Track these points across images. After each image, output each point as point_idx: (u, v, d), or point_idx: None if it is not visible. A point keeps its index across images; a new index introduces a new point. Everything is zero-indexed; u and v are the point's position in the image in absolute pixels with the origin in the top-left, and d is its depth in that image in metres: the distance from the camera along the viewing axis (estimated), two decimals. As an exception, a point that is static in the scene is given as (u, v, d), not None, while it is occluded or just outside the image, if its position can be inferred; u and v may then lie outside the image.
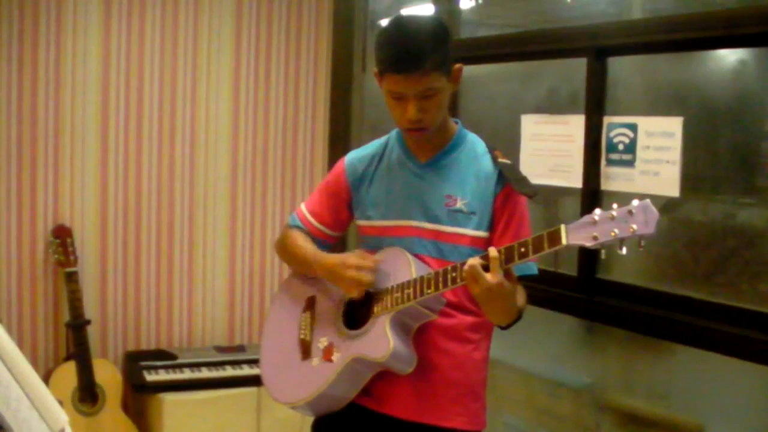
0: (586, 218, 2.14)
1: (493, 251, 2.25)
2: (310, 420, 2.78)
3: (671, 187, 3.21)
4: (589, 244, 2.12)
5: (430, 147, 2.58)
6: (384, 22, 2.53)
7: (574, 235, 2.15)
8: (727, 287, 3.17)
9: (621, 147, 3.40)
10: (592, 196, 3.52)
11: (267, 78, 5.08)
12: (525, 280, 2.52)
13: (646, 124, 3.32)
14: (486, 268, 2.25)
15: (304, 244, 2.73)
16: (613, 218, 2.10)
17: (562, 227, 2.17)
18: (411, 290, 2.42)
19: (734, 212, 3.24)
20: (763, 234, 3.14)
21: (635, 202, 2.09)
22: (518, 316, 2.43)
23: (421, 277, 2.41)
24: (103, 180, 4.68)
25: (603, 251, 2.15)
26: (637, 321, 3.35)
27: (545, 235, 2.19)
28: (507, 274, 2.29)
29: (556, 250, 2.18)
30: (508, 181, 2.50)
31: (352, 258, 2.53)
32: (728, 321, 3.06)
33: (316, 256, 2.66)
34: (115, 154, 4.70)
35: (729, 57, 3.23)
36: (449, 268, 2.37)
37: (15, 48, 4.41)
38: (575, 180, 3.58)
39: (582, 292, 3.56)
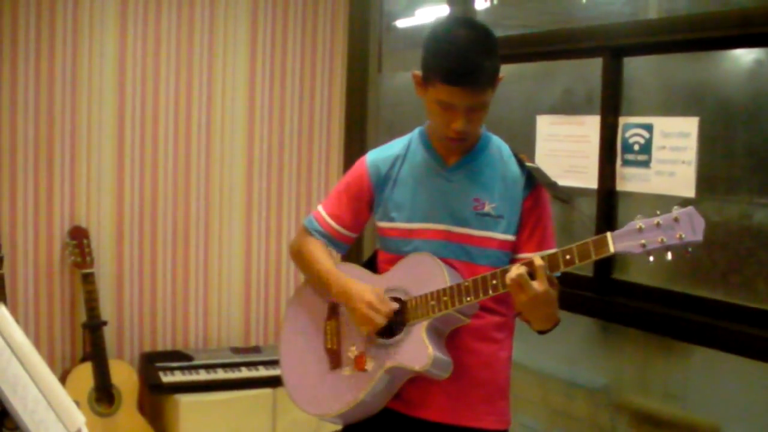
0: (631, 225, 2.16)
1: (538, 259, 2.26)
2: (325, 422, 2.77)
3: (687, 188, 3.21)
4: (637, 251, 2.14)
5: (456, 150, 2.56)
6: (438, 24, 2.48)
7: (621, 242, 2.16)
8: (743, 287, 3.16)
9: (636, 147, 3.39)
10: (607, 196, 3.51)
11: (282, 79, 5.09)
12: None
13: (662, 124, 3.31)
14: (531, 276, 2.26)
15: (322, 258, 2.68)
16: (658, 225, 2.11)
17: (609, 235, 2.18)
18: (447, 298, 2.41)
19: (750, 212, 3.23)
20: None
21: (679, 209, 2.10)
22: (558, 321, 2.44)
23: (458, 285, 2.40)
24: (120, 181, 4.70)
25: (651, 258, 2.15)
26: (652, 321, 3.34)
27: (591, 242, 2.20)
28: (550, 280, 2.30)
29: (602, 257, 2.20)
30: (539, 186, 2.51)
31: (371, 295, 2.50)
32: (744, 321, 3.05)
33: (335, 278, 2.62)
34: (131, 155, 4.72)
35: (745, 57, 3.22)
36: (488, 275, 2.36)
37: (32, 48, 4.43)
38: (591, 180, 3.57)
39: (597, 292, 3.55)
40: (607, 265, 3.53)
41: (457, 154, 2.56)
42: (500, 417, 2.61)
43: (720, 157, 3.27)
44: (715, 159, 3.25)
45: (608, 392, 3.75)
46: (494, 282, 2.35)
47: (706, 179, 3.21)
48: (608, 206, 3.51)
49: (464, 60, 2.35)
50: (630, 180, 3.44)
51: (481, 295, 2.36)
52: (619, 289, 3.51)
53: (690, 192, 3.20)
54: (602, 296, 3.53)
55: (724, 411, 3.30)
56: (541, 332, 2.48)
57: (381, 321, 2.47)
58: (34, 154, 4.47)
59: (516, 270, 2.26)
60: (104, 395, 4.41)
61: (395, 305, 2.50)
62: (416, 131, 2.67)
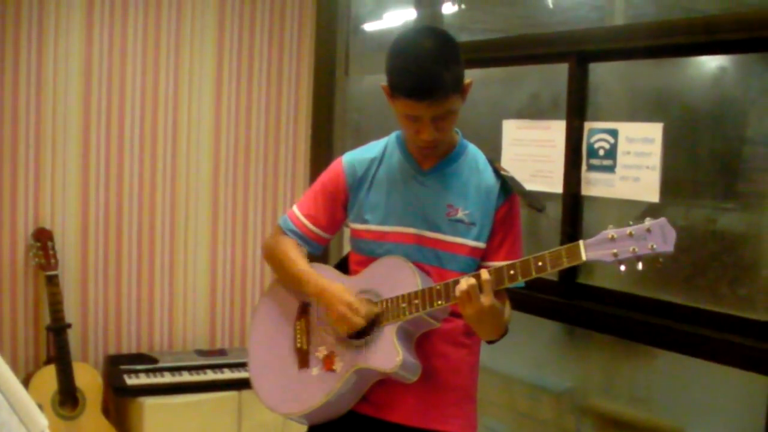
0: (603, 234, 2.17)
1: (485, 273, 2.28)
2: (291, 424, 2.76)
3: (651, 193, 3.23)
4: (608, 260, 2.16)
5: (432, 155, 2.56)
6: (400, 36, 2.48)
7: (593, 251, 2.18)
8: (707, 292, 3.18)
9: (602, 152, 3.41)
10: (572, 201, 3.53)
11: (249, 81, 5.08)
12: (512, 290, 2.54)
13: (627, 129, 3.33)
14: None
15: (297, 258, 2.67)
16: (631, 235, 2.13)
17: (581, 243, 2.19)
18: (419, 301, 2.42)
19: (714, 217, 3.25)
20: (743, 239, 3.16)
21: (651, 220, 2.13)
22: (505, 331, 2.45)
23: (430, 289, 2.41)
24: (85, 183, 4.67)
25: (622, 267, 2.17)
26: (617, 325, 3.36)
27: (563, 250, 2.21)
28: (499, 294, 2.33)
29: (573, 265, 2.21)
30: (514, 195, 2.53)
31: (350, 295, 2.51)
32: (708, 325, 3.07)
33: (313, 278, 2.61)
34: (97, 156, 4.69)
35: (709, 63, 3.24)
36: (453, 281, 2.37)
37: (-4, 50, 4.40)
38: (556, 185, 3.59)
39: (563, 296, 3.56)
40: (572, 269, 3.54)
41: (432, 159, 2.57)
42: (467, 421, 2.63)
43: (684, 162, 3.29)
44: (679, 164, 3.27)
45: (574, 395, 3.76)
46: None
47: (670, 184, 3.23)
48: (573, 211, 3.53)
49: (422, 75, 2.34)
50: (595, 185, 3.45)
51: (451, 299, 2.36)
52: (584, 293, 3.53)
53: (654, 197, 3.22)
54: (568, 300, 3.55)
55: (688, 414, 3.32)
56: (489, 342, 2.49)
57: (360, 322, 2.47)
58: (-2, 155, 4.44)
59: (466, 282, 2.27)
60: (68, 398, 4.38)
61: (374, 308, 2.51)
62: (393, 135, 2.68)
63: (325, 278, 2.60)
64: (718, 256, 3.21)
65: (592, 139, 3.45)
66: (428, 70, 2.34)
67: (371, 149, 2.69)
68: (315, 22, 5.19)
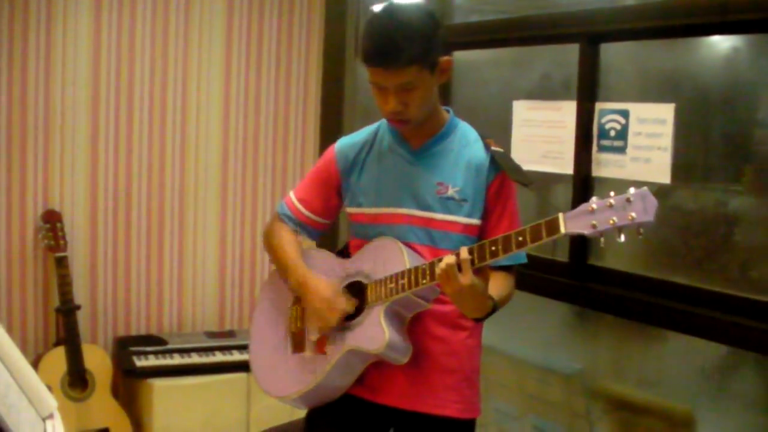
0: (584, 206, 2.13)
1: (464, 252, 2.25)
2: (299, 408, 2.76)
3: (662, 174, 3.21)
4: (587, 232, 2.11)
5: (421, 134, 2.56)
6: (375, 9, 2.51)
7: (573, 223, 2.13)
8: (717, 274, 3.17)
9: (613, 133, 3.40)
10: (583, 182, 3.51)
11: (258, 64, 5.06)
12: (520, 270, 2.52)
13: (638, 110, 3.31)
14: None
15: (288, 247, 2.69)
16: (611, 206, 2.08)
17: (560, 216, 2.15)
18: (405, 280, 2.41)
19: (725, 199, 3.24)
20: (754, 221, 3.14)
21: (632, 190, 2.07)
22: (493, 310, 2.40)
23: (416, 267, 2.40)
24: (94, 165, 4.66)
25: (602, 239, 2.13)
26: (628, 307, 3.35)
27: (543, 223, 2.17)
28: (481, 270, 2.31)
29: (554, 239, 2.17)
30: (503, 170, 2.50)
31: (329, 291, 2.53)
32: (719, 308, 3.06)
33: (295, 269, 2.63)
34: (106, 139, 4.68)
35: (722, 44, 3.22)
36: (438, 260, 2.34)
37: (5, 32, 4.38)
38: (567, 166, 3.57)
39: (573, 278, 3.56)
40: (583, 250, 3.53)
41: (421, 138, 2.57)
42: (467, 405, 2.61)
43: (696, 143, 3.28)
44: (690, 146, 3.25)
45: (583, 377, 3.76)
46: None
47: (681, 166, 3.22)
48: (584, 192, 3.52)
49: (383, 40, 2.37)
50: (606, 166, 3.44)
51: (436, 276, 2.34)
52: (594, 275, 3.52)
53: (666, 178, 3.20)
54: (578, 282, 3.54)
55: (698, 396, 3.31)
56: (477, 320, 2.46)
57: (333, 319, 2.50)
58: (6, 137, 4.43)
59: (446, 260, 2.25)
60: (77, 380, 4.39)
61: (351, 304, 2.53)
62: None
63: (307, 271, 2.61)
64: (728, 238, 3.20)
65: (603, 120, 3.44)
66: (386, 37, 2.37)
67: (363, 133, 2.71)
68: (324, 5, 5.17)
